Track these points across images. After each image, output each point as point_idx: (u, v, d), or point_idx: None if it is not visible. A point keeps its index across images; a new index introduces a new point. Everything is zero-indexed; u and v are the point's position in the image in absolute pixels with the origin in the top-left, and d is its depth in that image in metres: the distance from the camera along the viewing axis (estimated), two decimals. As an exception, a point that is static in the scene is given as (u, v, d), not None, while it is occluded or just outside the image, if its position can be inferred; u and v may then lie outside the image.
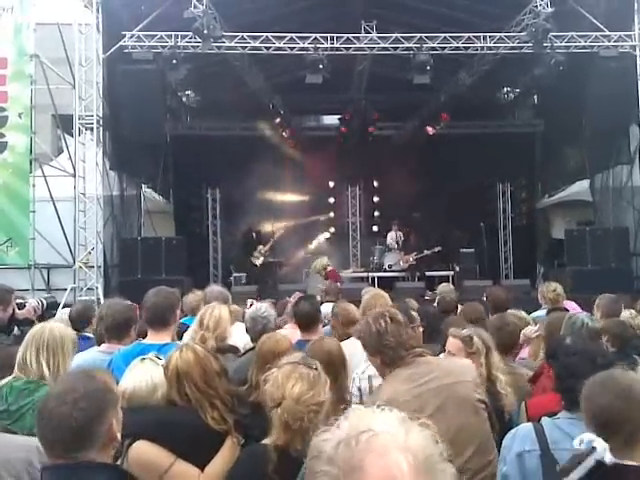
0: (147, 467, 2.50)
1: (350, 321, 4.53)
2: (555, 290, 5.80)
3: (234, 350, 4.03)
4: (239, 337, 4.34)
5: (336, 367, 3.17)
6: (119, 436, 1.96)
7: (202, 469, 2.58)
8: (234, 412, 2.70)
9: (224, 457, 2.62)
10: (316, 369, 2.42)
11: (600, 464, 1.90)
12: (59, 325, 3.49)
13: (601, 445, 1.96)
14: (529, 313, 5.75)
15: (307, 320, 4.33)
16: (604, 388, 2.10)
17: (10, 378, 3.14)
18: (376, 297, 4.41)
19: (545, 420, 2.54)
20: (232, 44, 12.20)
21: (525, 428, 2.54)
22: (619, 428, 2.00)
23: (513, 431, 2.56)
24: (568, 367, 2.74)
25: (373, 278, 14.84)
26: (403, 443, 0.98)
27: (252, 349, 3.98)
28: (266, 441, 2.39)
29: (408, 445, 0.98)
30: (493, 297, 5.79)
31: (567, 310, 5.56)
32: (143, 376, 2.70)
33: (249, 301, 6.84)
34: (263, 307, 4.38)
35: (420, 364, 2.82)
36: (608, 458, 1.92)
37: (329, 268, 13.75)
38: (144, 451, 2.51)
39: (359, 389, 3.46)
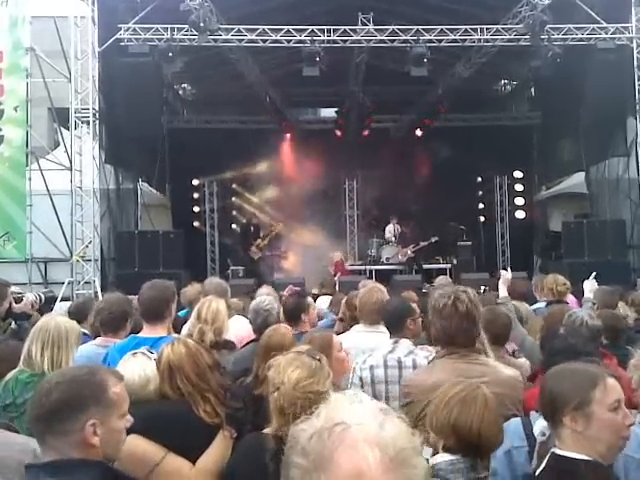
0: (138, 461, 2.51)
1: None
2: (565, 284, 5.78)
3: (230, 346, 4.03)
4: (236, 331, 4.35)
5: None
6: (96, 441, 1.87)
7: (194, 462, 2.59)
8: (226, 406, 2.70)
9: (216, 450, 2.63)
10: (319, 360, 2.42)
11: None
12: (65, 318, 3.50)
13: (539, 425, 2.10)
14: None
15: (291, 314, 4.42)
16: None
17: (16, 371, 3.17)
18: (373, 290, 4.42)
19: (533, 415, 2.55)
20: (228, 37, 12.16)
21: (513, 423, 2.54)
22: (544, 414, 2.13)
23: (503, 426, 2.55)
24: (552, 365, 2.76)
25: (371, 271, 14.85)
26: (375, 437, 0.99)
27: (253, 341, 4.00)
28: (266, 430, 2.42)
29: (380, 439, 0.99)
30: (509, 290, 5.69)
31: (567, 303, 5.59)
32: (135, 370, 2.70)
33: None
34: (267, 300, 4.38)
35: (476, 362, 2.79)
36: (541, 433, 2.11)
37: (339, 260, 14.16)
38: (135, 445, 2.50)
39: (360, 379, 3.46)
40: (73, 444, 1.85)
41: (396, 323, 3.70)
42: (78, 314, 4.74)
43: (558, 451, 2.03)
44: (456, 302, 2.81)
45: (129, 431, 2.43)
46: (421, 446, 1.04)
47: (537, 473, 2.08)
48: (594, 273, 5.36)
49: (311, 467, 0.98)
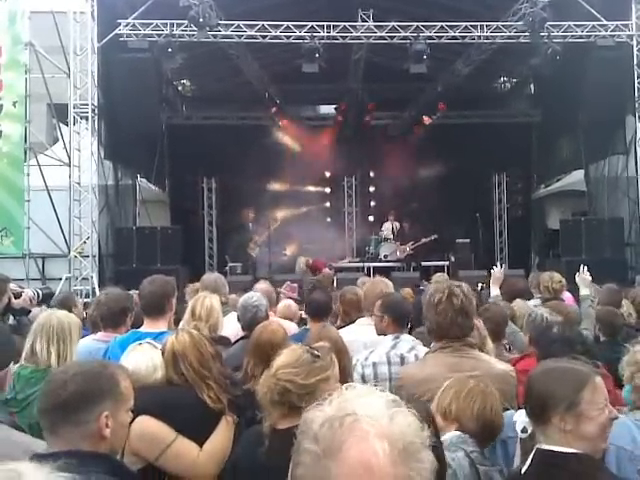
0: (150, 441, 2.58)
1: (359, 307, 4.60)
2: (560, 281, 5.81)
3: (225, 342, 4.03)
4: (230, 327, 4.35)
5: (342, 353, 3.19)
6: (108, 433, 1.90)
7: (199, 446, 2.66)
8: (228, 392, 2.78)
9: (220, 436, 2.71)
10: (316, 356, 2.39)
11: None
12: (65, 312, 3.52)
13: (521, 421, 2.14)
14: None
15: (321, 310, 4.40)
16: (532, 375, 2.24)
17: (17, 366, 3.16)
18: (376, 283, 4.47)
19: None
20: (228, 33, 12.13)
21: (507, 415, 2.56)
22: (530, 412, 2.14)
23: None
24: (549, 354, 2.78)
25: (369, 268, 14.86)
26: (384, 429, 1.00)
27: (243, 338, 4.00)
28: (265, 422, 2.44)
29: (389, 432, 1.00)
30: (508, 286, 5.67)
31: (563, 300, 5.60)
32: (142, 358, 2.77)
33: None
34: (255, 296, 4.37)
35: (468, 356, 2.83)
36: (523, 429, 2.15)
37: (309, 262, 14.03)
38: (148, 425, 2.57)
39: (362, 376, 3.42)
40: (85, 435, 1.88)
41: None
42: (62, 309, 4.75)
43: (544, 446, 2.04)
44: (451, 297, 2.84)
45: (140, 412, 2.46)
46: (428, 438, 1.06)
47: (523, 471, 2.08)
48: (582, 265, 5.34)
49: (321, 454, 1.00)
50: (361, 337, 3.92)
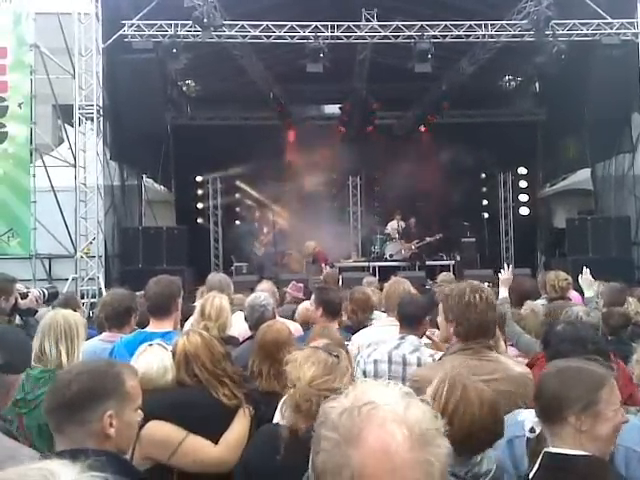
0: (160, 444, 2.60)
1: (370, 306, 4.61)
2: (566, 279, 5.78)
3: (234, 342, 4.05)
4: (237, 327, 4.36)
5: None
6: (112, 432, 1.90)
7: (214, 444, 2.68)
8: (243, 387, 2.82)
9: (238, 427, 2.74)
10: (337, 356, 2.42)
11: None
12: (69, 311, 3.53)
13: (529, 421, 2.12)
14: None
15: (335, 308, 4.44)
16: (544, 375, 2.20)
17: None
18: (399, 282, 4.53)
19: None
20: (232, 33, 12.13)
21: (515, 414, 2.54)
22: (541, 412, 2.11)
23: (506, 417, 2.55)
24: (559, 352, 2.76)
25: (374, 267, 14.85)
26: (401, 416, 1.04)
27: (250, 338, 4.01)
28: (282, 422, 2.46)
29: (406, 418, 1.04)
30: (515, 286, 5.66)
31: (570, 299, 5.58)
32: (153, 360, 2.78)
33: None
34: (262, 296, 4.40)
35: (487, 359, 2.80)
36: (531, 429, 2.11)
37: (317, 249, 14.05)
38: (157, 429, 2.59)
39: (364, 372, 3.47)
40: (90, 434, 1.89)
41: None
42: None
43: (553, 449, 2.01)
44: (482, 295, 2.84)
45: (150, 417, 2.47)
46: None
47: (531, 476, 2.05)
48: (585, 268, 5.31)
49: (341, 440, 1.03)
50: (376, 338, 3.93)
